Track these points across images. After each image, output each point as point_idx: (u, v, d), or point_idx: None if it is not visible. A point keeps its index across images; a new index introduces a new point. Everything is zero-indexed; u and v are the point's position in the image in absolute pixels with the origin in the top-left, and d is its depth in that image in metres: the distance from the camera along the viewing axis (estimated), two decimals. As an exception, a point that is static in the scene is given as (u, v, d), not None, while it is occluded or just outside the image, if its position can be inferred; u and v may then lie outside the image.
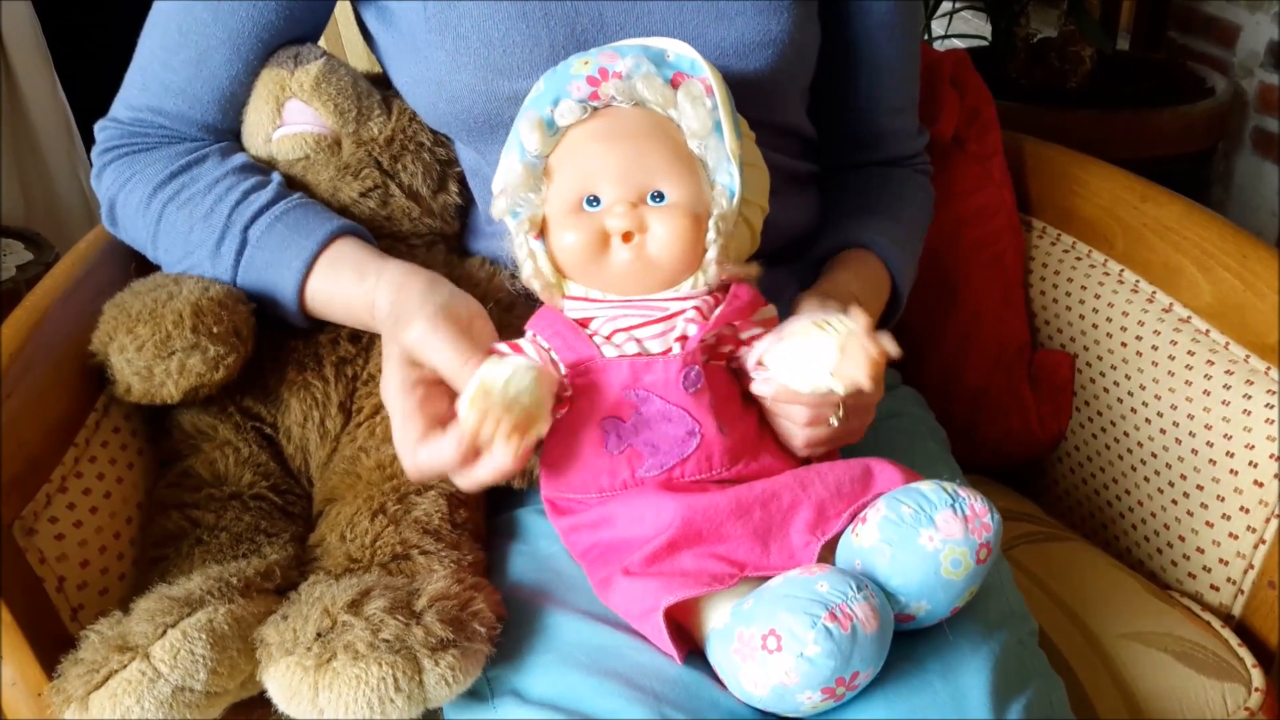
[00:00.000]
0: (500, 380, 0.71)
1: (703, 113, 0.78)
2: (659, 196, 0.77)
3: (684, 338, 0.77)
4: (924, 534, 0.70)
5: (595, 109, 0.80)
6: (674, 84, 0.80)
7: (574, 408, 0.78)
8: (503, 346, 0.80)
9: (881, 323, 0.99)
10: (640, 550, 0.75)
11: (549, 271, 0.79)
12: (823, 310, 0.79)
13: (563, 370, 0.78)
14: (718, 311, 0.78)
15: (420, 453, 0.76)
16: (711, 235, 0.77)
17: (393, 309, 0.81)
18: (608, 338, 0.78)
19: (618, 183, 0.77)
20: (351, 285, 0.86)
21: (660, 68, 0.80)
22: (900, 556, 0.71)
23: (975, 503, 0.72)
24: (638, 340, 0.77)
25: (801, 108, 1.02)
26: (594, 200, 0.78)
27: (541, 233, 0.80)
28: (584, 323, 0.79)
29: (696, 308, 0.78)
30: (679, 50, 0.81)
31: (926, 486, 0.73)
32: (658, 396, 0.77)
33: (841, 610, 0.66)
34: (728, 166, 0.79)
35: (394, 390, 0.79)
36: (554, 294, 0.80)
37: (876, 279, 0.97)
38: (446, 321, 0.78)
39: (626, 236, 0.76)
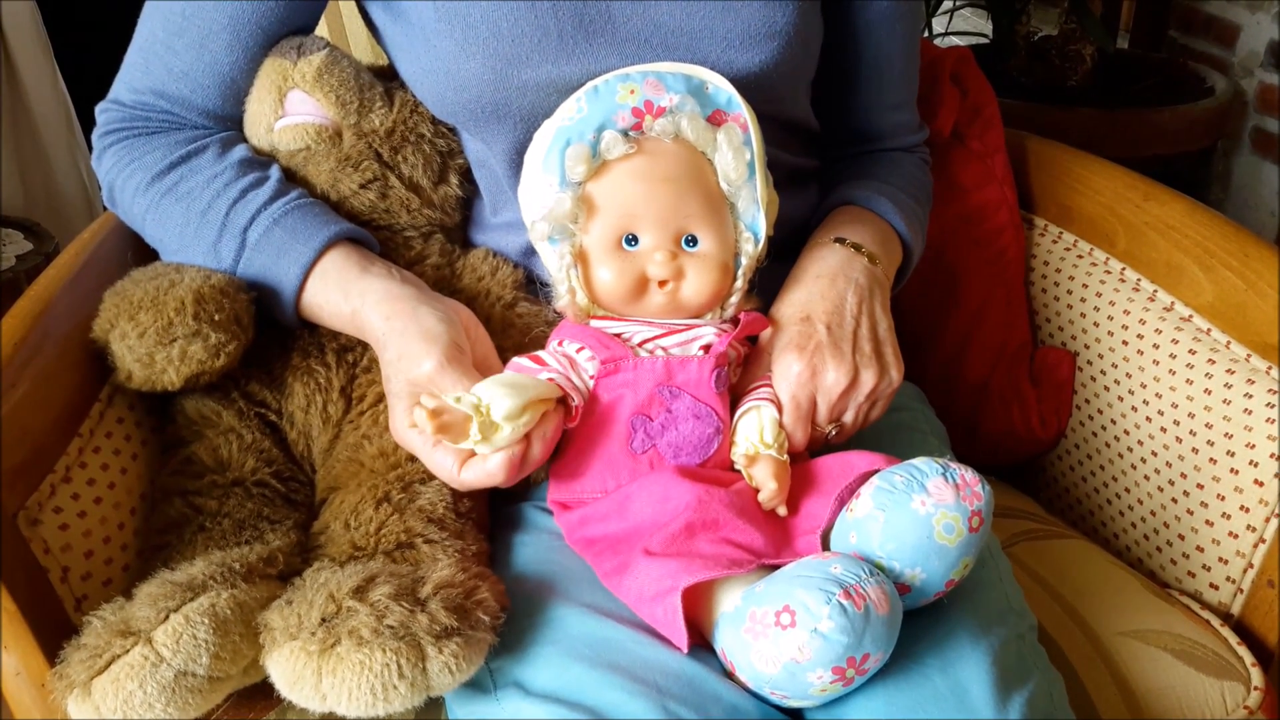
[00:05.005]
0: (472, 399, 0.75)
1: (740, 163, 0.82)
2: (692, 240, 0.81)
3: (706, 347, 0.81)
4: (916, 499, 0.72)
5: (636, 139, 0.82)
6: (712, 121, 0.83)
7: (601, 409, 0.81)
8: (524, 361, 0.82)
9: (900, 273, 0.99)
10: (659, 532, 0.76)
11: (586, 303, 0.83)
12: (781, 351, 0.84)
13: (590, 373, 0.81)
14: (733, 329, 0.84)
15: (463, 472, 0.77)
16: (739, 284, 0.84)
17: (394, 346, 0.82)
18: (638, 345, 0.82)
19: (658, 228, 0.81)
20: (338, 303, 0.87)
21: (700, 99, 0.83)
22: (894, 520, 0.72)
23: (966, 473, 0.74)
24: (664, 349, 0.82)
25: (805, 101, 1.03)
26: (632, 239, 0.81)
27: (576, 259, 0.83)
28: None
29: (717, 326, 0.83)
30: (716, 83, 0.85)
31: (917, 460, 0.75)
32: (689, 394, 0.80)
33: (855, 590, 0.67)
34: (755, 212, 0.84)
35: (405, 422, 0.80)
36: (584, 316, 0.83)
37: (859, 217, 0.97)
38: (453, 361, 0.80)
39: (663, 283, 0.80)
